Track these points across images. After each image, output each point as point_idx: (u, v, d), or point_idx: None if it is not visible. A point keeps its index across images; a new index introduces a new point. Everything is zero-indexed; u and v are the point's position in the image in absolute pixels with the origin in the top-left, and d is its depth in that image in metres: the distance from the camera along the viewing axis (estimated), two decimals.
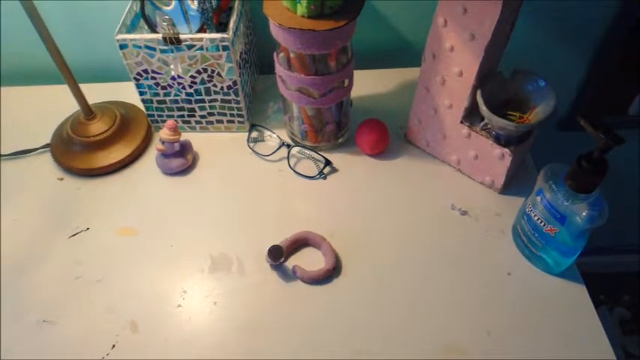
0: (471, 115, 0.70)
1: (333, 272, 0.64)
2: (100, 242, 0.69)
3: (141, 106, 0.80)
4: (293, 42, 0.64)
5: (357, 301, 0.63)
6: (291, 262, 0.66)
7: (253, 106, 0.85)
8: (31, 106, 0.88)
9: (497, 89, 0.67)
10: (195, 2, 0.71)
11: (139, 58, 0.72)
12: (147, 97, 0.78)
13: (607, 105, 1.01)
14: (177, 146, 0.75)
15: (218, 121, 0.81)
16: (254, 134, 0.81)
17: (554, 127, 1.04)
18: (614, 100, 1.01)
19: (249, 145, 0.80)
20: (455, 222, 0.70)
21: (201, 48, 0.70)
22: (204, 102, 0.78)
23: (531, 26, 0.85)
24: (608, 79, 0.94)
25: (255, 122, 0.82)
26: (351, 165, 0.78)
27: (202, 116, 0.80)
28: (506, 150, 0.67)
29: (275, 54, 0.71)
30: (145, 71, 0.74)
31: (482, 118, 0.68)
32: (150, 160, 0.79)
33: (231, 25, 0.71)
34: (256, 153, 0.79)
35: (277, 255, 0.63)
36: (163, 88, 0.76)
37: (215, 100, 0.77)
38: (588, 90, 0.97)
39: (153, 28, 0.74)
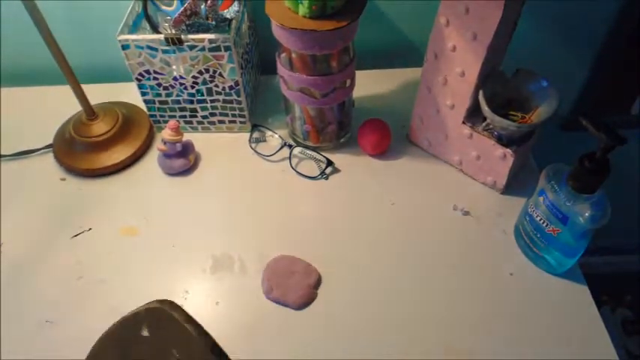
0: (473, 116, 0.70)
1: (297, 307, 0.62)
2: (102, 242, 0.69)
3: (143, 106, 0.80)
4: (295, 42, 0.64)
5: (358, 299, 0.63)
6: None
7: (255, 107, 0.85)
8: (33, 107, 0.89)
9: (499, 89, 0.66)
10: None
11: (141, 58, 0.72)
12: (149, 97, 0.78)
13: (609, 104, 1.01)
14: (179, 146, 0.75)
15: (220, 122, 0.81)
16: (256, 134, 0.81)
17: (557, 127, 1.04)
18: (617, 100, 1.00)
19: (250, 146, 0.80)
20: (457, 222, 0.70)
21: (203, 48, 0.70)
22: (206, 102, 0.78)
23: (534, 26, 0.85)
24: (610, 78, 0.94)
25: (256, 122, 0.82)
26: (353, 165, 0.78)
27: (204, 117, 0.80)
28: (508, 150, 0.67)
29: (277, 54, 0.72)
30: (147, 72, 0.74)
31: (485, 119, 0.67)
32: (152, 160, 0.79)
33: (233, 25, 0.71)
34: (258, 153, 0.79)
35: None
36: (165, 88, 0.76)
37: (217, 101, 0.77)
38: (591, 89, 0.96)
39: (155, 29, 0.74)
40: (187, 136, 0.78)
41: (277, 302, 0.62)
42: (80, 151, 0.77)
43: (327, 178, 0.76)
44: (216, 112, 0.79)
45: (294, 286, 0.63)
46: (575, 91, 0.98)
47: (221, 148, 0.81)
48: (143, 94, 0.77)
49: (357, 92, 0.78)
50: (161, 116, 0.81)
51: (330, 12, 0.63)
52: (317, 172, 0.76)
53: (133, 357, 0.53)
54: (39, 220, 0.72)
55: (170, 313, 0.55)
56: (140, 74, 0.74)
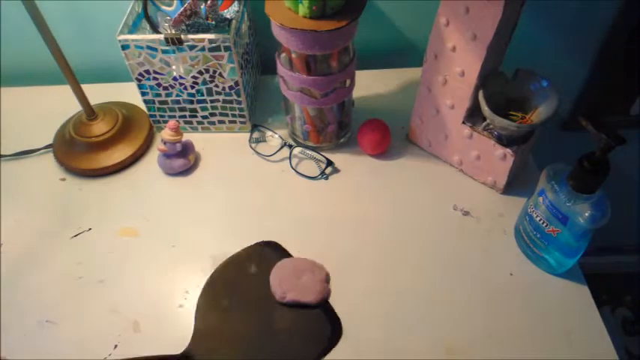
0: (473, 116, 0.70)
1: (317, 303, 0.62)
2: (102, 243, 0.69)
3: (143, 106, 0.80)
4: (295, 42, 0.64)
5: (357, 299, 0.63)
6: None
7: (255, 107, 0.85)
8: (33, 107, 0.89)
9: (499, 89, 0.66)
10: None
11: (141, 58, 0.72)
12: (149, 97, 0.78)
13: (609, 105, 1.01)
14: (179, 147, 0.75)
15: (220, 122, 0.81)
16: (256, 135, 0.81)
17: (557, 127, 1.04)
18: (616, 100, 1.01)
19: (250, 146, 0.80)
20: (457, 222, 0.70)
21: (203, 48, 0.70)
22: (206, 102, 0.78)
23: (534, 26, 0.85)
24: (610, 79, 0.94)
25: (256, 122, 0.82)
26: (352, 165, 0.78)
27: (204, 117, 0.80)
28: (508, 150, 0.67)
29: (277, 54, 0.72)
30: (147, 72, 0.74)
31: (485, 119, 0.67)
32: (152, 160, 0.79)
33: (233, 25, 0.71)
34: (258, 153, 0.79)
35: None
36: (165, 88, 0.76)
37: (217, 101, 0.77)
38: (590, 90, 0.96)
39: (155, 29, 0.74)
40: (187, 136, 0.78)
41: (295, 304, 0.62)
42: (80, 151, 0.77)
43: (327, 178, 0.76)
44: (216, 112, 0.79)
45: (308, 284, 0.62)
46: (575, 91, 0.98)
47: (221, 148, 0.81)
48: (143, 94, 0.77)
49: (357, 92, 0.78)
50: (161, 116, 0.81)
51: (330, 12, 0.63)
52: (317, 172, 0.76)
53: (241, 290, 0.64)
54: (39, 221, 0.72)
55: (274, 254, 0.67)
56: (140, 74, 0.74)
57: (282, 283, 0.63)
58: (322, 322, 0.61)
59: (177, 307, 0.63)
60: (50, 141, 0.81)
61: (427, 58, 0.69)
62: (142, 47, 0.70)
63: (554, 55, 0.91)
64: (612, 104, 1.01)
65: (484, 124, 0.69)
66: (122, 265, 0.67)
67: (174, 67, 0.73)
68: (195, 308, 0.62)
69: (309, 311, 0.62)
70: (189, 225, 0.71)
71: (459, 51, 0.64)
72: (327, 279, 0.64)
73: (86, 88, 0.76)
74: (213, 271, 0.65)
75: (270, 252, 0.67)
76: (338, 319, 0.61)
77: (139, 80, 0.75)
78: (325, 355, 0.58)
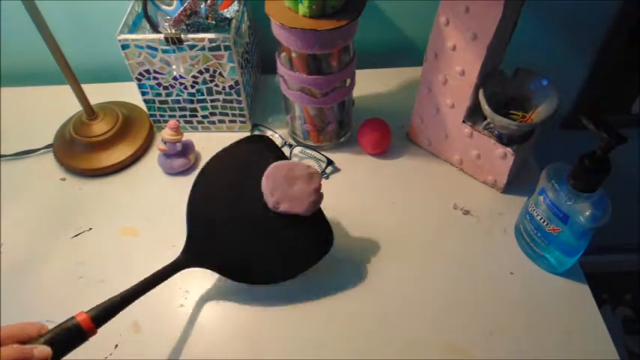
0: (474, 115, 0.70)
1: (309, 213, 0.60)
2: (102, 242, 0.69)
3: (143, 106, 0.80)
4: (295, 42, 0.64)
5: (355, 300, 0.63)
6: None
7: (255, 106, 0.85)
8: (33, 107, 0.89)
9: (499, 88, 0.66)
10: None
11: (141, 58, 0.72)
12: (149, 97, 0.78)
13: (610, 103, 1.01)
14: (179, 146, 0.75)
15: (220, 121, 0.81)
16: (256, 134, 0.81)
17: (557, 126, 1.04)
18: (617, 99, 1.00)
19: None
20: (457, 221, 0.70)
21: (203, 48, 0.70)
22: (206, 102, 0.78)
23: (534, 25, 0.85)
24: (610, 77, 0.94)
25: (257, 122, 0.82)
26: (353, 164, 0.78)
27: (204, 116, 0.80)
28: (508, 149, 0.67)
29: (277, 54, 0.71)
30: (147, 71, 0.74)
31: (485, 118, 0.67)
32: (152, 160, 0.79)
33: (233, 24, 0.71)
34: None
35: None
36: (165, 88, 0.76)
37: (217, 100, 0.77)
38: (591, 88, 0.96)
39: (155, 28, 0.74)
40: (187, 136, 0.78)
41: (287, 214, 0.59)
42: (80, 150, 0.77)
43: (327, 178, 0.76)
44: (217, 111, 0.79)
45: (301, 194, 0.59)
46: (576, 90, 0.98)
47: (221, 147, 0.80)
48: (143, 93, 0.77)
49: (357, 91, 0.78)
50: (161, 116, 0.81)
51: (330, 11, 0.63)
52: None
53: (234, 197, 0.62)
54: (39, 220, 0.72)
55: (267, 152, 0.64)
56: (140, 74, 0.74)
57: (275, 192, 0.59)
58: (316, 227, 0.62)
59: (178, 306, 0.63)
60: (50, 141, 0.81)
61: (427, 57, 0.69)
62: (142, 47, 0.70)
63: (555, 54, 0.91)
64: (613, 103, 1.01)
65: (484, 123, 0.69)
66: (122, 264, 0.67)
67: (174, 66, 0.73)
68: (185, 215, 0.63)
69: (304, 218, 0.60)
70: None
71: (459, 50, 0.64)
72: (320, 187, 0.61)
73: (86, 88, 0.76)
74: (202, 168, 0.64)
75: (263, 149, 0.64)
76: (328, 224, 0.62)
77: (139, 80, 0.75)
78: (321, 259, 0.61)
